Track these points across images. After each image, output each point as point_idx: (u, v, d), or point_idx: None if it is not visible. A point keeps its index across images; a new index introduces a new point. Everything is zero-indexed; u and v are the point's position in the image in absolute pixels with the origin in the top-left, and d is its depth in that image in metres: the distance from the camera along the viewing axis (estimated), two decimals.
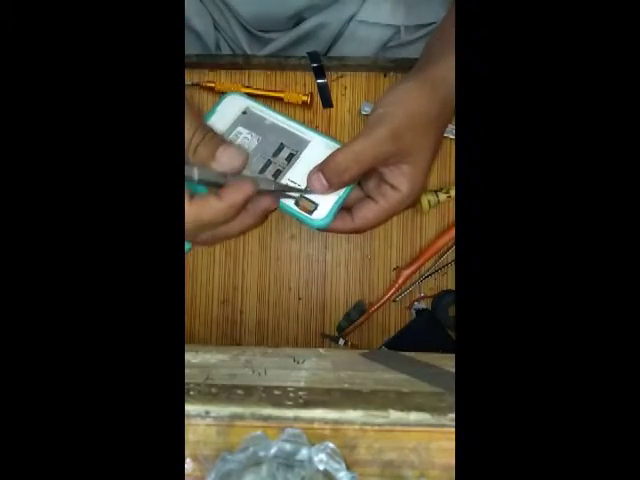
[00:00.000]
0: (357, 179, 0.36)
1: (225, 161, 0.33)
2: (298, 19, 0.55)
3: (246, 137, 0.40)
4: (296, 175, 0.38)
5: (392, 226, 0.53)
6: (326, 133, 0.52)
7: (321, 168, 0.35)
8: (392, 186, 0.36)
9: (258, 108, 0.41)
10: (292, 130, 0.40)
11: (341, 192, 0.37)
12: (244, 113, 0.41)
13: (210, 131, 0.33)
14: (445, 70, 0.35)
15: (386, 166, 0.35)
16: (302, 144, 0.39)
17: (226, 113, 0.41)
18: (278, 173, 0.38)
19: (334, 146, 0.38)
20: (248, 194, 0.33)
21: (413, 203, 0.38)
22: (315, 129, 0.40)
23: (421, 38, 0.57)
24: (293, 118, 0.41)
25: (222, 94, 0.42)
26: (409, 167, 0.35)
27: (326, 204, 0.37)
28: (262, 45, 0.57)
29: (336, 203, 0.37)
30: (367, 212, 0.37)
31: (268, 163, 0.39)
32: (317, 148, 0.39)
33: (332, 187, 0.35)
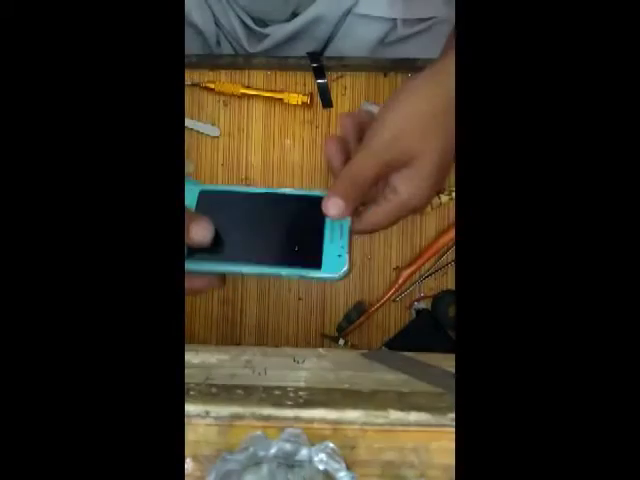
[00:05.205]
0: (368, 190, 0.35)
1: (195, 236, 0.34)
2: (296, 6, 0.55)
3: None
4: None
5: (392, 226, 0.52)
6: (325, 134, 0.52)
7: (333, 191, 0.34)
8: (393, 189, 0.35)
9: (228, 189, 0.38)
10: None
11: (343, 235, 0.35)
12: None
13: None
14: (451, 63, 0.33)
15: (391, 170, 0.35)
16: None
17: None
18: None
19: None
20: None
21: (420, 207, 0.36)
22: (306, 190, 0.38)
23: (419, 33, 0.56)
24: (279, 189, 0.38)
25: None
26: (410, 170, 0.34)
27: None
28: (259, 40, 0.57)
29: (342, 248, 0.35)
30: (370, 215, 0.37)
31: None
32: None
33: (349, 206, 0.34)
